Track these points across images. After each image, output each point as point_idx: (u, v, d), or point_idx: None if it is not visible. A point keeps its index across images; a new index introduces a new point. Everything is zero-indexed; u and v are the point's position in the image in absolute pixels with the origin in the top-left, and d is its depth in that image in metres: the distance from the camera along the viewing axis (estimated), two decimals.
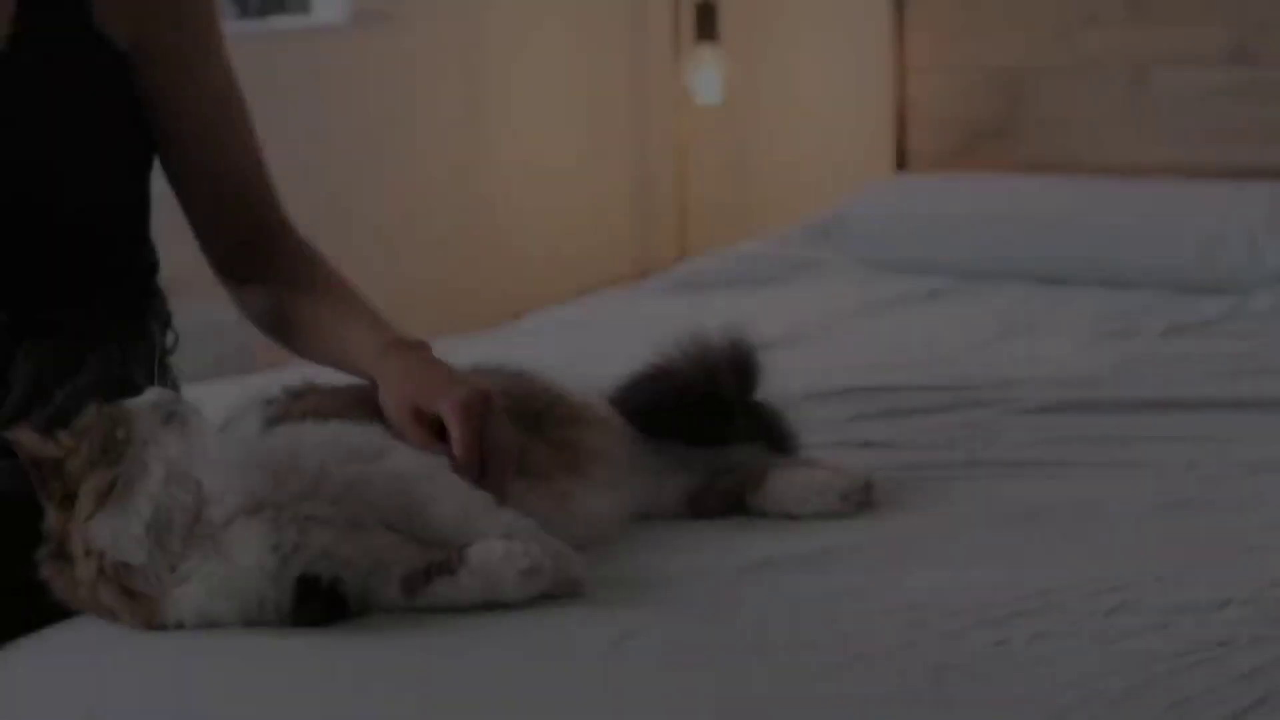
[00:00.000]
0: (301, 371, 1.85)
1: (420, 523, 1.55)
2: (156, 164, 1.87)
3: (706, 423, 1.88)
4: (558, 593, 1.53)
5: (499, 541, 1.51)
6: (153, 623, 1.49)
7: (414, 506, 1.55)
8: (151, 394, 1.55)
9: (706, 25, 4.21)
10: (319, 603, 1.49)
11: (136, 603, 1.49)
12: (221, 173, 1.84)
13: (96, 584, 1.49)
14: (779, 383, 1.95)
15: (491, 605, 1.50)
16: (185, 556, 1.47)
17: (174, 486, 1.48)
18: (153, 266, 1.90)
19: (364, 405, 1.69)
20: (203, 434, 1.54)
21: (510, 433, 1.66)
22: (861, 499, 1.85)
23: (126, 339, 1.82)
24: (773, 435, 1.92)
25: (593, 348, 2.83)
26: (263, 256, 1.84)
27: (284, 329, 1.83)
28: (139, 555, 1.47)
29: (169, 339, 1.92)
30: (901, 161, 4.06)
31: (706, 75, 4.23)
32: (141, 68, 1.79)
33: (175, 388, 1.86)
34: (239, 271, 1.86)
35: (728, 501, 1.84)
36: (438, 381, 1.67)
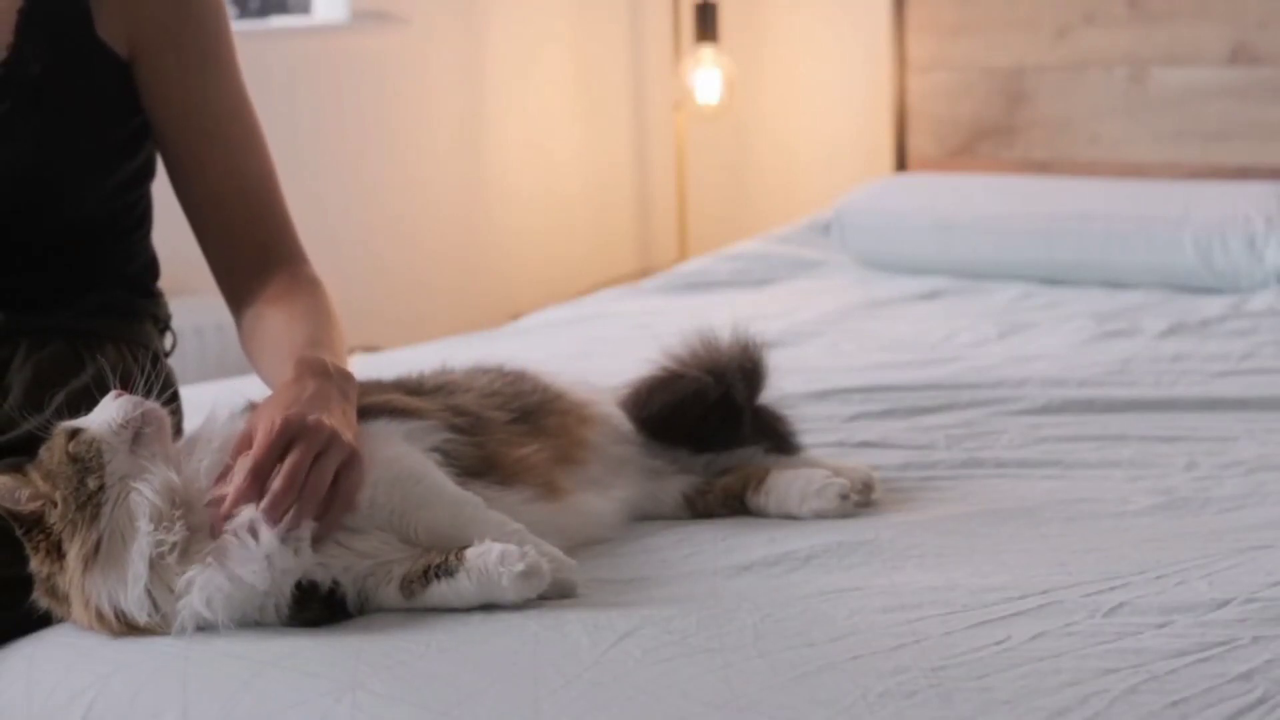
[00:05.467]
0: None
1: (411, 525, 1.55)
2: (160, 171, 1.87)
3: (718, 429, 1.88)
4: (553, 595, 1.53)
5: (496, 544, 1.50)
6: (156, 635, 1.50)
7: (405, 509, 1.55)
8: (112, 408, 1.52)
9: (706, 25, 4.21)
10: (318, 607, 1.50)
11: (140, 631, 1.49)
12: (229, 197, 1.80)
13: (97, 625, 1.50)
14: (779, 383, 1.95)
15: (489, 606, 1.51)
16: (183, 572, 1.47)
17: (162, 532, 1.47)
18: (152, 270, 1.90)
19: None
20: (175, 446, 1.53)
21: (316, 470, 1.48)
22: (861, 499, 1.85)
23: (125, 341, 1.82)
24: (774, 436, 1.92)
25: (593, 348, 2.84)
26: (264, 283, 1.78)
27: (243, 343, 1.79)
28: (141, 614, 1.48)
29: (167, 340, 1.92)
30: (901, 161, 4.06)
31: (706, 75, 4.23)
32: (142, 80, 1.78)
33: (173, 389, 1.86)
34: (242, 299, 1.80)
35: (728, 501, 1.84)
36: (282, 403, 1.54)
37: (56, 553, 1.49)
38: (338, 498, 1.51)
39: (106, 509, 1.48)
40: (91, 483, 1.48)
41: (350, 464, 1.51)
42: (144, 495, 1.48)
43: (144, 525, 1.47)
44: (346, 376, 1.61)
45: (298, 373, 1.58)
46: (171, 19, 1.78)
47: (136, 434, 1.51)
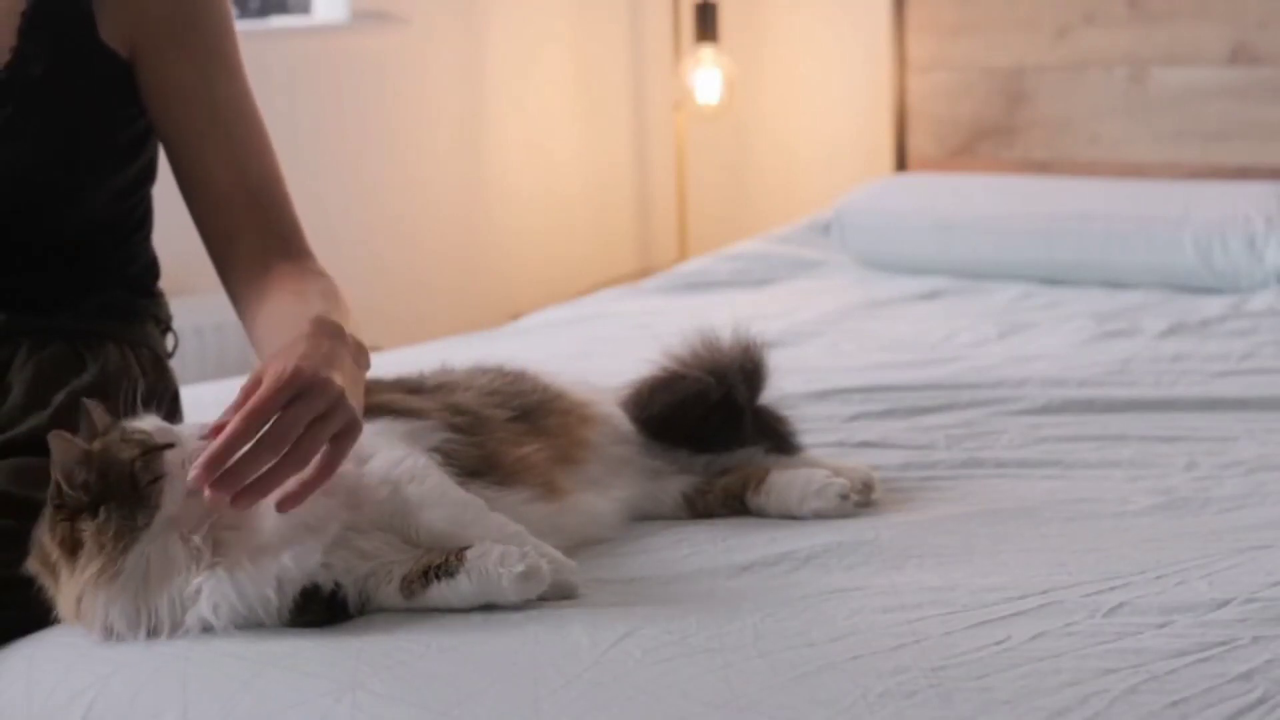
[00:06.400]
0: None
1: (412, 526, 1.55)
2: (161, 173, 1.86)
3: (719, 429, 1.88)
4: (552, 596, 1.53)
5: (496, 545, 1.50)
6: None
7: (405, 510, 1.55)
8: (186, 450, 1.46)
9: (706, 25, 4.22)
10: (319, 609, 1.49)
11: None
12: (236, 194, 1.78)
13: (84, 627, 1.48)
14: (780, 383, 1.95)
15: (489, 606, 1.50)
16: (189, 580, 1.47)
17: (191, 569, 1.46)
18: (153, 271, 1.90)
19: None
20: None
21: (313, 431, 1.43)
22: (861, 499, 1.85)
23: (126, 341, 1.82)
24: (774, 437, 1.92)
25: (593, 348, 2.84)
26: (271, 278, 1.76)
27: (249, 325, 1.76)
28: (140, 637, 1.46)
29: (169, 341, 1.92)
30: (901, 161, 4.06)
31: (706, 75, 4.23)
32: (146, 78, 1.78)
33: (174, 390, 1.86)
34: (248, 294, 1.78)
35: (728, 501, 1.84)
36: (296, 354, 1.47)
37: (70, 547, 1.46)
38: (319, 466, 1.45)
39: (140, 546, 1.45)
40: (140, 519, 1.44)
41: (347, 432, 1.46)
42: (189, 547, 1.45)
43: (179, 580, 1.45)
44: (361, 348, 1.57)
45: (314, 330, 1.52)
46: (175, 15, 1.77)
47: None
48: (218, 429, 1.44)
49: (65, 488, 1.45)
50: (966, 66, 3.95)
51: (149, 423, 1.50)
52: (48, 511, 1.48)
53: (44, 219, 1.76)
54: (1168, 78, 3.72)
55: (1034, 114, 3.89)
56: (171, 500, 1.45)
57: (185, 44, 1.78)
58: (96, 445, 1.47)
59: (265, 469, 1.42)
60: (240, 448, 1.41)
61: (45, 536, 1.48)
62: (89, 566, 1.45)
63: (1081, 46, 3.81)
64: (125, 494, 1.45)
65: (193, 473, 1.42)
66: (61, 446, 1.45)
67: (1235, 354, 2.73)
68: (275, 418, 1.42)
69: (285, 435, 1.42)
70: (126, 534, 1.44)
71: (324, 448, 1.45)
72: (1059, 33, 3.83)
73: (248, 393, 1.44)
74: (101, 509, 1.45)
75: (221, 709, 1.41)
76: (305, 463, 1.44)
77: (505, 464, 1.68)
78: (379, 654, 1.43)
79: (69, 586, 1.48)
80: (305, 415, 1.43)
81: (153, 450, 1.46)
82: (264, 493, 1.43)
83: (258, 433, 1.42)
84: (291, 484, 1.44)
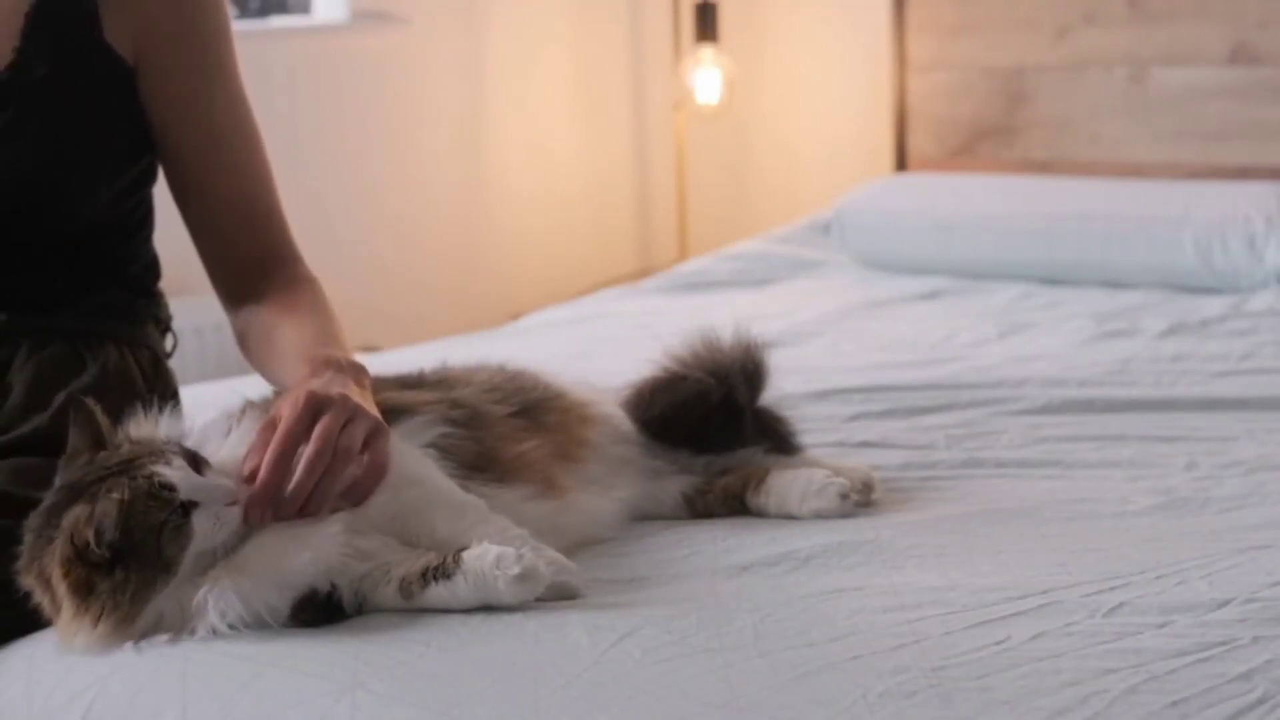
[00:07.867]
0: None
1: (412, 529, 1.54)
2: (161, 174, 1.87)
3: (720, 430, 1.88)
4: (551, 597, 1.53)
5: (494, 546, 1.50)
6: None
7: (406, 512, 1.55)
8: (226, 519, 1.45)
9: (706, 25, 4.22)
10: (315, 610, 1.49)
11: None
12: (230, 198, 1.81)
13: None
14: (780, 383, 1.95)
15: (489, 607, 1.50)
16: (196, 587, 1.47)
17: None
18: (153, 271, 1.90)
19: None
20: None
21: (345, 435, 1.48)
22: (861, 499, 1.85)
23: (126, 341, 1.82)
24: (774, 437, 1.92)
25: (593, 348, 2.84)
26: (262, 285, 1.80)
27: (248, 347, 1.80)
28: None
29: (168, 342, 1.92)
30: (901, 161, 4.06)
31: (706, 75, 4.23)
32: (145, 82, 1.78)
33: (174, 390, 1.86)
34: (239, 300, 1.82)
35: (728, 501, 1.84)
36: (298, 389, 1.53)
37: (82, 593, 1.43)
38: (368, 465, 1.51)
39: (154, 604, 1.44)
40: (159, 584, 1.43)
41: (376, 433, 1.52)
42: (196, 586, 1.45)
43: (187, 622, 1.45)
44: (358, 367, 1.62)
45: (312, 368, 1.59)
46: (176, 21, 1.78)
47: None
48: (252, 472, 1.48)
49: (93, 543, 1.41)
50: (966, 66, 3.95)
51: (176, 469, 1.46)
52: (61, 545, 1.43)
53: (45, 219, 1.76)
54: (1168, 78, 3.72)
55: (1034, 114, 3.89)
56: (189, 559, 1.44)
57: (185, 49, 1.78)
58: (125, 496, 1.43)
59: (318, 479, 1.47)
60: (284, 472, 1.47)
61: (55, 569, 1.44)
62: (100, 622, 1.44)
63: (1081, 46, 3.81)
64: (148, 559, 1.43)
65: (248, 509, 1.46)
66: (108, 505, 1.42)
67: (1235, 354, 2.73)
68: (314, 439, 1.47)
69: (325, 444, 1.47)
70: (143, 598, 1.43)
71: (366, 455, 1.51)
72: (1059, 33, 3.83)
73: (265, 431, 1.49)
74: (119, 569, 1.42)
75: (221, 709, 1.41)
76: (350, 460, 1.49)
77: (504, 460, 1.67)
78: (379, 654, 1.43)
79: (71, 625, 1.45)
80: (335, 425, 1.49)
81: (178, 510, 1.44)
82: (328, 498, 1.48)
83: (294, 455, 1.47)
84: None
